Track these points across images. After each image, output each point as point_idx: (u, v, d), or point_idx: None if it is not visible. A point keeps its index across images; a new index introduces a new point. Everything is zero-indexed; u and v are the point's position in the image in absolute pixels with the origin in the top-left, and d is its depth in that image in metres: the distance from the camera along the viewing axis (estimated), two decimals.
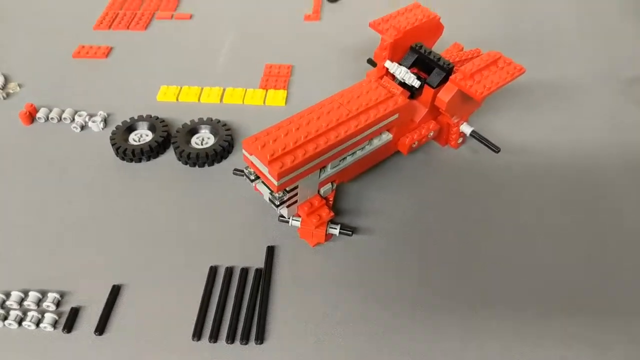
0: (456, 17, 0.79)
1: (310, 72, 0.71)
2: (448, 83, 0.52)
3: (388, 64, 0.52)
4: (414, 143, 0.55)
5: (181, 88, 0.67)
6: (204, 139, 0.60)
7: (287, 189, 0.47)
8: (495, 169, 0.58)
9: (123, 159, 0.59)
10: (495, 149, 0.55)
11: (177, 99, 0.66)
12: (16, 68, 0.71)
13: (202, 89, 0.67)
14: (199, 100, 0.66)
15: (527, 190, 0.56)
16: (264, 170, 0.45)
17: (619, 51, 0.74)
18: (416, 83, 0.52)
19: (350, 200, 0.55)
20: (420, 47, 0.54)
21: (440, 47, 0.65)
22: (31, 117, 0.63)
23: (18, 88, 0.68)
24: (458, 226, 0.53)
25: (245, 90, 0.67)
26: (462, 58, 0.59)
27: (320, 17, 0.80)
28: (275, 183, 0.44)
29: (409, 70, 0.52)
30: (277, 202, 0.47)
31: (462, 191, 0.56)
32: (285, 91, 0.67)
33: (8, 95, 0.67)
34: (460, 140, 0.59)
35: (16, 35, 0.77)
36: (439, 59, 0.53)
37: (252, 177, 0.48)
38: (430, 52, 0.54)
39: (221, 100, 0.66)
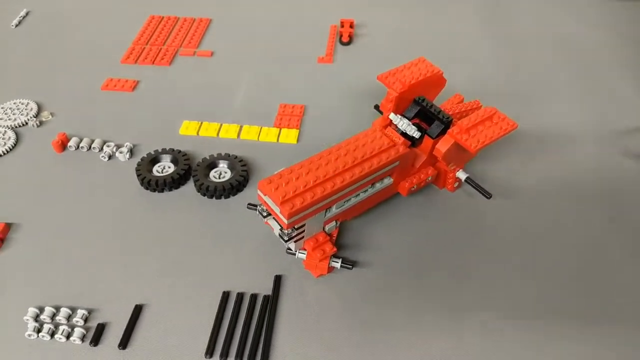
0: (459, 68, 0.85)
1: (321, 112, 0.76)
2: (446, 135, 0.57)
3: (392, 116, 0.57)
4: (413, 187, 0.60)
5: (201, 123, 0.73)
6: (221, 173, 0.66)
7: (296, 226, 0.52)
8: (488, 213, 0.63)
9: (147, 188, 0.64)
10: (487, 195, 0.60)
11: (198, 133, 0.72)
12: (49, 98, 0.77)
13: (221, 125, 0.73)
14: (217, 135, 0.72)
15: (518, 232, 0.61)
16: (276, 209, 0.50)
17: (610, 104, 0.79)
18: (416, 134, 0.57)
19: (352, 236, 0.60)
20: (423, 100, 0.60)
21: (444, 97, 0.71)
22: (63, 145, 0.69)
23: (50, 117, 0.74)
24: (451, 263, 0.58)
25: (261, 128, 0.73)
26: (462, 109, 0.65)
27: (333, 60, 0.86)
28: (286, 222, 0.50)
29: (410, 123, 0.58)
30: (286, 238, 0.52)
31: (456, 231, 0.62)
32: (298, 130, 0.73)
33: (41, 123, 0.73)
34: (457, 184, 0.64)
35: (49, 67, 0.84)
36: (439, 112, 0.59)
37: (265, 214, 0.54)
38: (431, 106, 0.60)
39: (238, 136, 0.72)
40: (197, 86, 0.80)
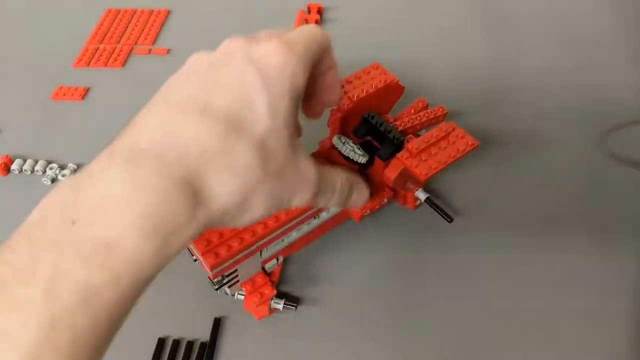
0: (438, 56, 0.77)
1: None
2: (394, 160, 0.51)
3: (335, 140, 0.52)
4: (366, 212, 0.55)
5: None
6: None
7: (226, 273, 0.48)
8: (452, 232, 0.58)
9: None
10: (449, 219, 0.55)
11: None
12: None
13: None
14: None
15: (489, 258, 0.56)
16: (200, 259, 0.46)
17: (602, 100, 0.71)
18: (362, 160, 0.51)
19: (298, 267, 0.56)
20: (373, 117, 0.54)
21: (407, 100, 0.64)
22: (7, 168, 0.66)
23: None
24: (408, 293, 0.54)
25: None
26: (422, 119, 0.59)
27: None
28: (210, 273, 0.45)
29: (357, 146, 0.52)
30: (216, 286, 0.48)
31: (416, 255, 0.57)
32: None
33: None
34: (418, 202, 0.59)
35: (0, 72, 0.79)
36: (390, 131, 0.53)
37: (194, 259, 0.50)
38: (381, 124, 0.53)
39: None
40: (150, 92, 0.74)
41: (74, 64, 0.79)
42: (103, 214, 0.28)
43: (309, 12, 0.83)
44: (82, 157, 0.67)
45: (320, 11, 0.83)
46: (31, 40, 0.84)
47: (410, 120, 0.58)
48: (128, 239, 0.28)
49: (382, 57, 0.60)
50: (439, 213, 0.55)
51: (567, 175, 0.63)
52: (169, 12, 0.87)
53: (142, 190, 0.28)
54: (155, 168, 0.29)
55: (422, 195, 0.56)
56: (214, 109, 0.31)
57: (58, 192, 0.30)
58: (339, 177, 0.40)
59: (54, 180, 0.65)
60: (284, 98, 0.33)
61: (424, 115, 0.59)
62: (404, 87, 0.58)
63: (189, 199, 0.29)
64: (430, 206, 0.56)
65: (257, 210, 0.33)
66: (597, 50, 0.78)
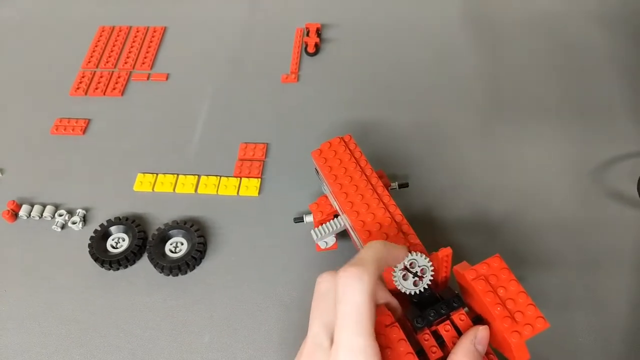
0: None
1: (285, 151, 0.71)
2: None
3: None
4: None
5: (157, 176, 0.69)
6: (177, 245, 0.63)
7: None
8: None
9: (102, 267, 0.62)
10: None
11: (153, 189, 0.68)
12: None
13: (177, 177, 0.69)
14: (174, 190, 0.68)
15: None
16: None
17: (603, 129, 0.72)
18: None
19: None
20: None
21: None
22: (14, 214, 0.66)
23: (1, 175, 0.70)
24: None
25: (219, 178, 0.68)
26: None
27: (299, 77, 0.78)
28: None
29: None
30: None
31: None
32: (259, 180, 0.68)
33: None
34: None
35: None
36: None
37: None
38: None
39: (196, 190, 0.68)
40: (152, 123, 0.75)
41: (72, 91, 0.78)
42: None
43: (308, 33, 0.81)
44: (89, 201, 0.67)
45: (319, 31, 0.82)
46: (24, 64, 0.83)
47: None
48: None
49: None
50: None
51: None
52: (165, 30, 0.85)
53: None
54: None
55: None
56: None
57: None
58: None
59: (63, 226, 0.65)
60: None
61: None
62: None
63: None
64: None
65: None
66: None
